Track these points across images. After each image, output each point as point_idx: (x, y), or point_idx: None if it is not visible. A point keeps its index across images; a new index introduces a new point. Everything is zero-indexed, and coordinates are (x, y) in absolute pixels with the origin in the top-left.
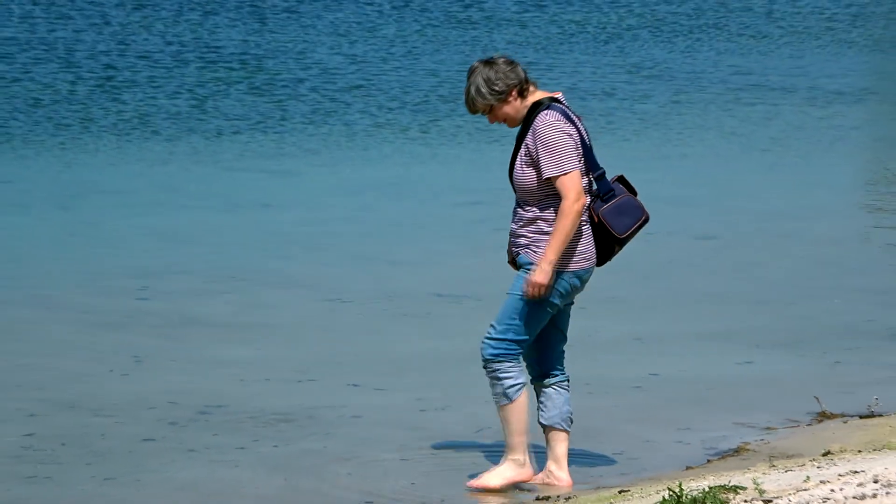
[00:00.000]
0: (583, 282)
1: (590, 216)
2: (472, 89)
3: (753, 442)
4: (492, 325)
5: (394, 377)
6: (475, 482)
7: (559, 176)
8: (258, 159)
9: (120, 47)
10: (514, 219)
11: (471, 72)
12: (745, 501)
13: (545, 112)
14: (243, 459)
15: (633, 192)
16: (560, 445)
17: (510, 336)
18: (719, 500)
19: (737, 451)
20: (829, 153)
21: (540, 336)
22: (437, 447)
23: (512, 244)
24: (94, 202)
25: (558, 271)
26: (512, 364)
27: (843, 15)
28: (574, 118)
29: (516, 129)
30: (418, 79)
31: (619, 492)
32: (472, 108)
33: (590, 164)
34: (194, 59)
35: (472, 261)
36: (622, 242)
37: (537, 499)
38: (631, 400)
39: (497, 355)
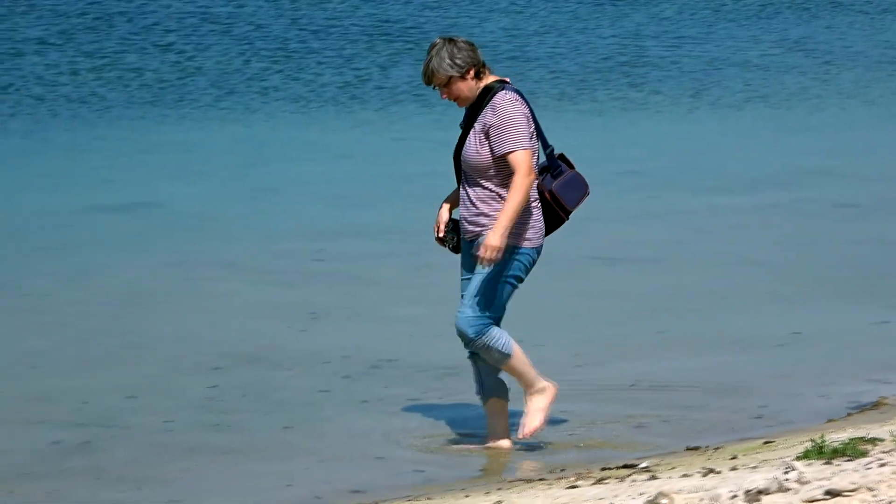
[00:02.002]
0: (538, 255)
1: (539, 192)
2: (434, 61)
3: (891, 397)
4: (467, 305)
5: (553, 333)
6: (526, 432)
7: (515, 151)
8: (424, 129)
9: (293, 21)
10: (467, 201)
11: (432, 46)
12: (884, 452)
13: (503, 92)
14: (413, 410)
15: (572, 167)
16: (504, 416)
17: (487, 313)
18: (858, 450)
19: (875, 405)
20: None
21: None
22: (595, 401)
23: (466, 227)
24: (274, 169)
25: (523, 249)
26: (492, 328)
27: None
28: (525, 98)
29: (461, 112)
30: (577, 52)
31: (764, 443)
32: (429, 79)
33: (542, 141)
34: (365, 34)
35: (627, 226)
36: (568, 214)
37: (625, 465)
38: (774, 357)
39: (480, 332)
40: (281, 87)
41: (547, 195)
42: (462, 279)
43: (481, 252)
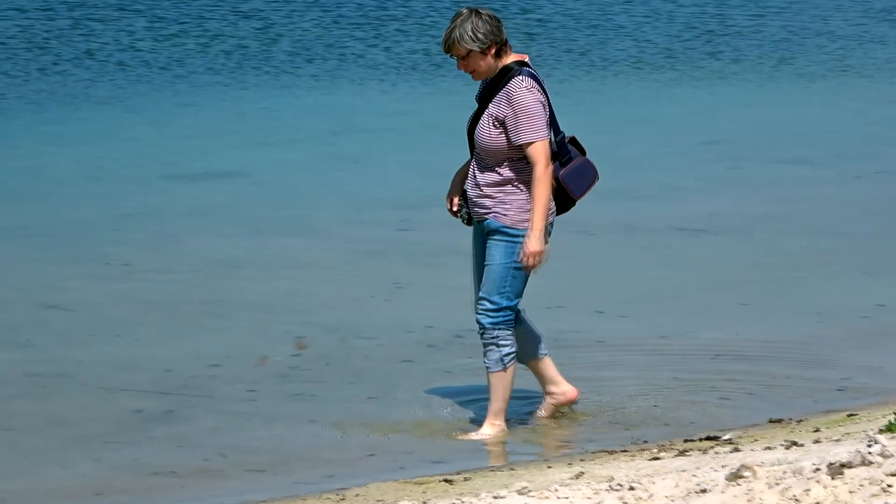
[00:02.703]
0: (550, 234)
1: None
2: (458, 31)
3: None
4: (484, 299)
5: (636, 305)
6: (471, 436)
7: (533, 142)
8: None
9: None
10: (474, 180)
11: (457, 15)
12: None
13: (519, 77)
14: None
15: (583, 152)
16: (551, 368)
17: (505, 304)
18: None
19: None
20: None
21: None
22: (678, 371)
23: (472, 204)
24: (358, 138)
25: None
26: (510, 332)
27: None
28: (542, 83)
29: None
30: (660, 20)
31: (848, 415)
32: (450, 48)
33: (554, 127)
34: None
35: (710, 197)
36: (574, 202)
37: (707, 438)
38: (858, 329)
39: (497, 324)
40: (365, 55)
41: (554, 183)
42: (473, 259)
43: (525, 261)
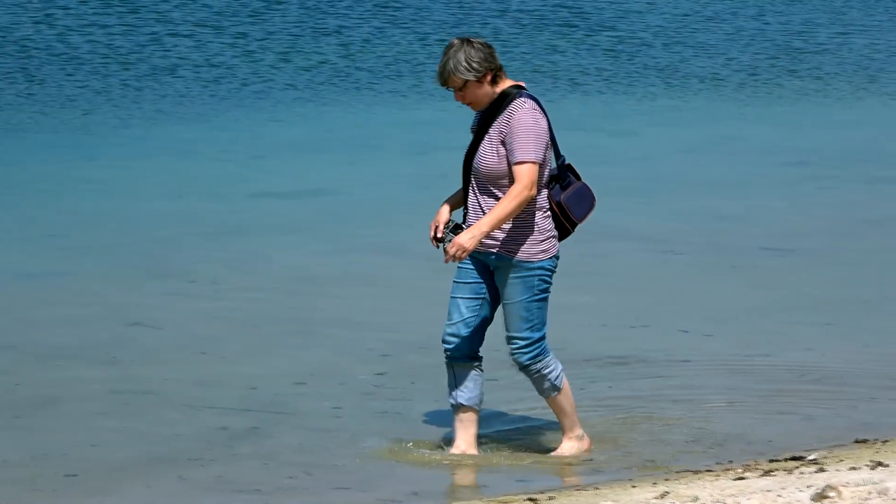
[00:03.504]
0: (557, 262)
1: (549, 203)
2: (452, 63)
3: None
4: (515, 336)
5: (721, 324)
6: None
7: (523, 162)
8: (597, 119)
9: (459, 5)
10: (478, 210)
11: (449, 47)
12: None
13: (522, 99)
14: (580, 399)
15: (578, 178)
16: (474, 426)
17: (535, 336)
18: None
19: None
20: None
21: (481, 316)
22: (763, 391)
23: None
24: (443, 156)
25: (542, 262)
26: (550, 357)
27: None
28: (542, 106)
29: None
30: (744, 39)
31: None
32: (447, 80)
33: (555, 151)
34: (547, 22)
35: (796, 216)
36: (575, 227)
37: (792, 458)
38: None
39: (535, 357)
40: None
41: (555, 207)
42: (457, 282)
43: (449, 248)
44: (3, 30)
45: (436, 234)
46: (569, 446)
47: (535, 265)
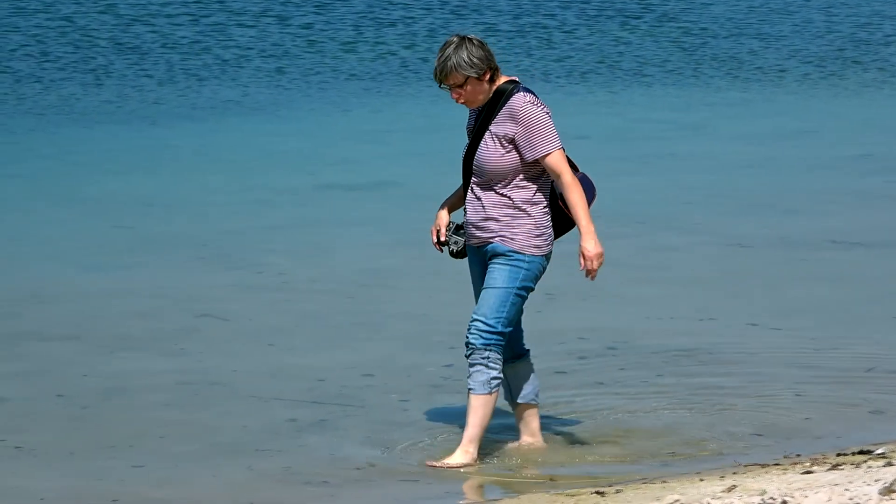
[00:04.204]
0: (548, 263)
1: (552, 197)
2: (454, 59)
3: None
4: (479, 318)
5: (789, 317)
6: (437, 463)
7: (551, 153)
8: (662, 111)
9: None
10: (477, 205)
11: (448, 44)
12: None
13: (521, 94)
14: (647, 392)
15: (576, 168)
16: (535, 419)
17: (499, 328)
18: None
19: None
20: None
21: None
22: (830, 385)
23: (474, 232)
24: None
25: (531, 257)
26: (499, 356)
27: None
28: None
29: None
30: (812, 30)
31: None
32: (446, 76)
33: None
34: (609, 14)
35: (864, 210)
36: (574, 224)
37: (860, 451)
38: None
39: (488, 345)
40: (520, 64)
41: (560, 201)
42: (473, 286)
43: (588, 265)
44: (66, 19)
45: (438, 238)
46: (458, 458)
47: (525, 259)
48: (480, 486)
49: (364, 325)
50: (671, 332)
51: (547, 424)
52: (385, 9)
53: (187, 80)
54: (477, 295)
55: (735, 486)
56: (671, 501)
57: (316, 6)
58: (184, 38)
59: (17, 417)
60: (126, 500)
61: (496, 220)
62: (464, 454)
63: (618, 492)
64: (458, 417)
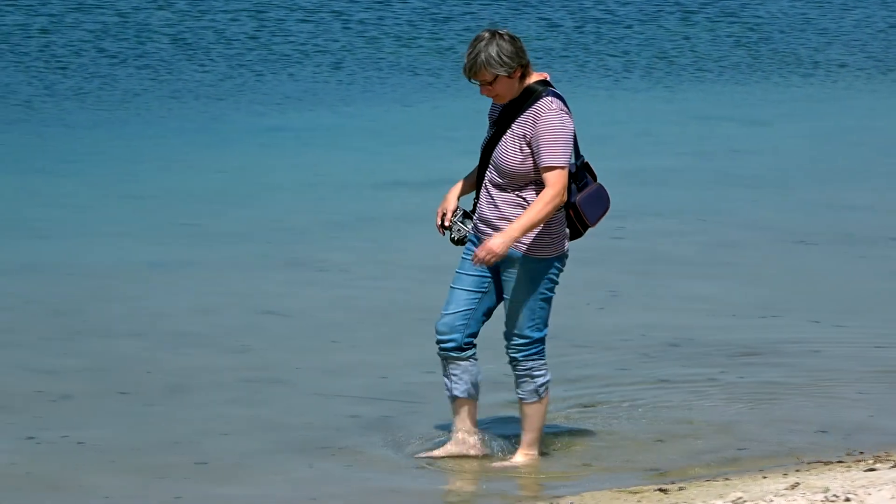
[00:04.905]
0: (566, 261)
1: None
2: (483, 55)
3: None
4: (515, 335)
5: (852, 314)
6: (506, 464)
7: (553, 168)
8: (725, 108)
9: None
10: (491, 203)
11: (479, 39)
12: None
13: (549, 99)
14: (709, 389)
15: (594, 178)
16: (472, 416)
17: (537, 336)
18: None
19: None
20: None
21: (479, 309)
22: (894, 381)
23: (485, 229)
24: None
25: (550, 259)
26: (543, 362)
27: None
28: (566, 103)
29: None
30: (875, 29)
31: None
32: (476, 73)
33: (575, 150)
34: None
35: None
36: (587, 229)
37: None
38: None
39: (529, 356)
40: (577, 59)
41: (569, 208)
42: (459, 273)
43: (480, 254)
44: (123, 15)
45: (443, 221)
46: (519, 460)
47: (544, 262)
48: (543, 484)
49: (427, 321)
50: (734, 328)
51: (610, 421)
52: (443, 4)
53: (247, 76)
54: (458, 282)
55: (798, 484)
56: (734, 499)
57: (376, 1)
58: (241, 33)
59: (80, 414)
60: (189, 498)
61: (510, 220)
62: (524, 456)
63: (681, 489)
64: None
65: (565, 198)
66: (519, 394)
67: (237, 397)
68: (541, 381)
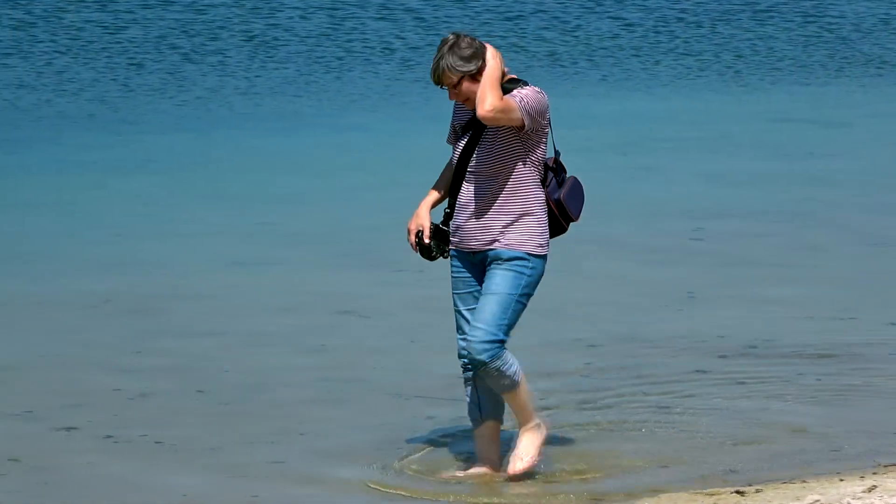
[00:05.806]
0: (545, 266)
1: (546, 201)
2: (446, 59)
3: None
4: (481, 326)
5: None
6: (519, 469)
7: (514, 97)
8: (805, 110)
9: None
10: (474, 210)
11: (443, 44)
12: None
13: (526, 86)
14: (787, 392)
15: (564, 171)
16: (497, 440)
17: (501, 336)
18: None
19: None
20: None
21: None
22: None
23: (469, 238)
24: (651, 147)
25: (534, 261)
26: (506, 352)
27: None
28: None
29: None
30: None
31: None
32: (441, 78)
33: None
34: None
35: None
36: (569, 224)
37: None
38: None
39: (494, 356)
40: (651, 58)
41: (553, 206)
42: (457, 294)
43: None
44: (196, 11)
45: (419, 237)
46: (528, 438)
47: (529, 263)
48: (623, 488)
49: None
50: (812, 331)
51: (687, 423)
52: (514, 3)
53: (323, 77)
54: (461, 303)
55: (875, 487)
56: (811, 501)
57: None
58: (312, 30)
59: (158, 413)
60: (266, 497)
61: (497, 222)
62: (535, 431)
63: (758, 491)
64: (600, 414)
65: (492, 113)
66: (499, 392)
67: (314, 397)
68: (512, 370)
